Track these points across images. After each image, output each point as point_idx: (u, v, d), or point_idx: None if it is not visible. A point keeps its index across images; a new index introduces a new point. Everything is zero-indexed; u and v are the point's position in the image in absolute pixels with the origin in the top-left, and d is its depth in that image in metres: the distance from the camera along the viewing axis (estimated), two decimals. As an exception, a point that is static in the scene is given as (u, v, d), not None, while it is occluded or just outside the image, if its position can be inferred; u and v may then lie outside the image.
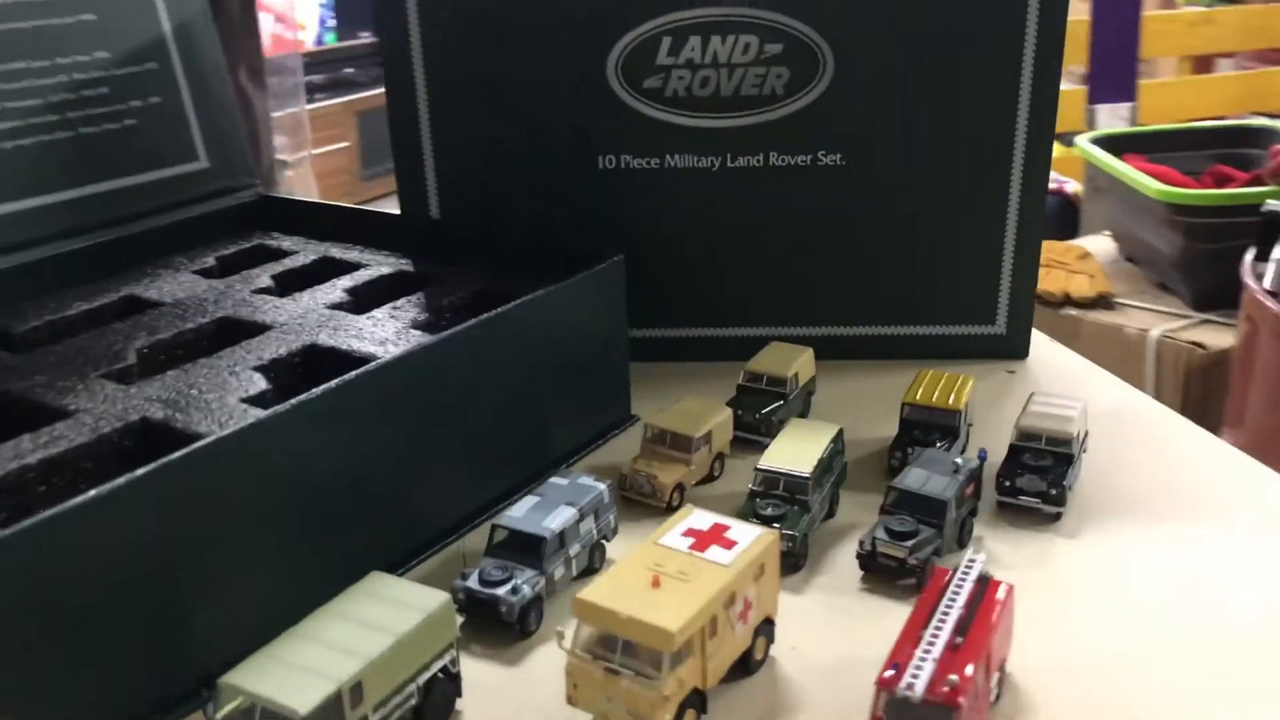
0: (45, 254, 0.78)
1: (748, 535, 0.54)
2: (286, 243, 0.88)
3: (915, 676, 0.47)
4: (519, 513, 0.61)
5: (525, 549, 0.59)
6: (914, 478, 0.64)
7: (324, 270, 0.82)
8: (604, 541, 0.64)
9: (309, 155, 1.22)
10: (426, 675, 0.51)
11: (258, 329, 0.71)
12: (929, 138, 0.82)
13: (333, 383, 0.58)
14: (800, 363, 0.78)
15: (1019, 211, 0.84)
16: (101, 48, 0.83)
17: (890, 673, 0.47)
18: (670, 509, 0.69)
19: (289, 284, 0.80)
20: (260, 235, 0.89)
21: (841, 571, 0.63)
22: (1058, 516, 0.67)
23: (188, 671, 0.53)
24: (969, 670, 0.47)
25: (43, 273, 0.78)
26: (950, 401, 0.72)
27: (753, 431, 0.76)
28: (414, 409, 0.63)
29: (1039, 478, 0.67)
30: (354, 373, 0.59)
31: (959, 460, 0.65)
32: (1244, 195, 1.67)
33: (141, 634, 0.51)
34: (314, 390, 0.58)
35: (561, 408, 0.74)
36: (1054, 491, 0.67)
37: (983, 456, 0.67)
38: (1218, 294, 1.76)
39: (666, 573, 0.51)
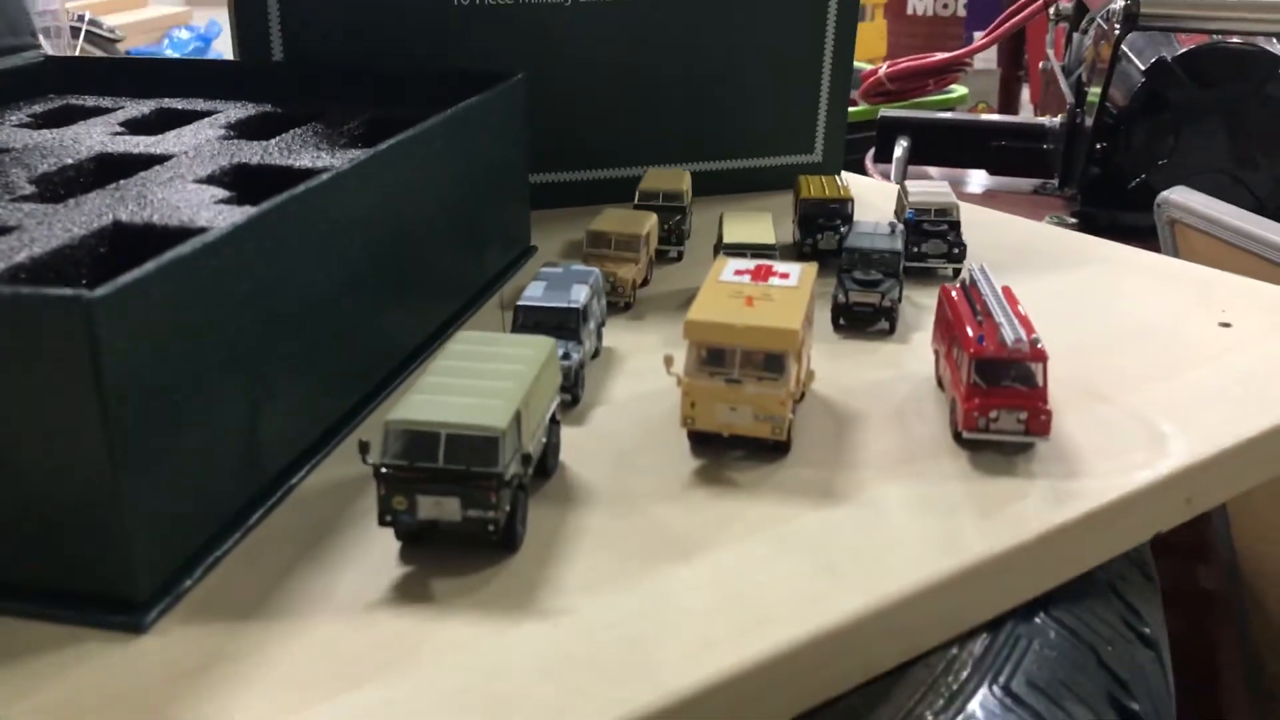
0: None
1: (793, 269, 0.57)
2: (104, 101, 0.78)
3: (1009, 338, 0.52)
4: (536, 293, 0.60)
5: (555, 324, 0.58)
6: (863, 240, 0.70)
7: (173, 120, 0.74)
8: (602, 326, 0.64)
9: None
10: (547, 416, 0.50)
11: (155, 160, 0.64)
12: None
13: (317, 179, 0.53)
14: (685, 181, 0.82)
15: (833, 56, 0.92)
16: None
17: (977, 344, 0.52)
18: (630, 305, 0.70)
19: (143, 130, 0.71)
20: (59, 98, 0.78)
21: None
22: (957, 273, 0.76)
23: (261, 472, 0.48)
24: (1036, 335, 0.53)
25: None
26: (841, 193, 0.79)
27: (663, 243, 0.78)
28: (371, 225, 0.59)
29: (939, 240, 0.75)
30: (341, 168, 0.55)
31: (893, 221, 0.72)
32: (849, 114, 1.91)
33: (226, 421, 0.46)
34: (299, 188, 0.52)
35: (482, 235, 0.73)
36: (956, 250, 0.75)
37: (911, 217, 0.74)
38: None
39: (751, 295, 0.53)
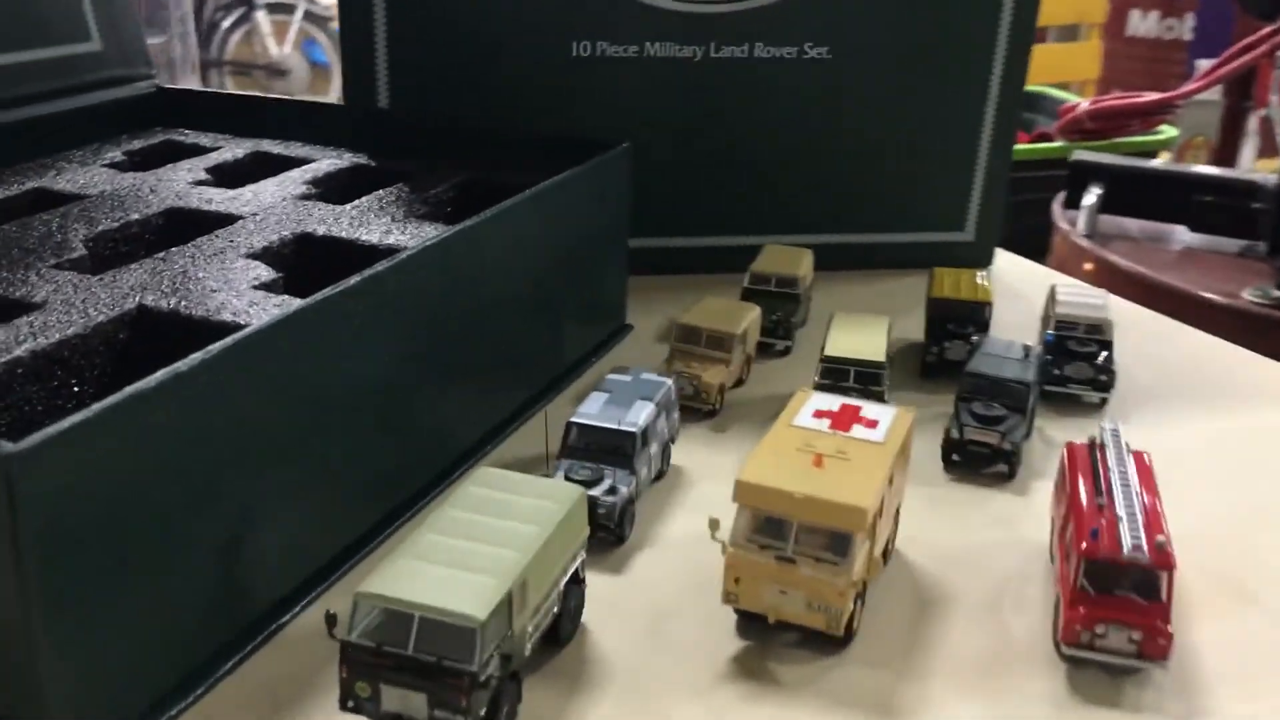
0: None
1: (885, 414, 0.49)
2: (204, 139, 0.75)
3: (1126, 540, 0.43)
4: (593, 409, 0.53)
5: (610, 447, 0.52)
6: (988, 363, 0.61)
7: (264, 166, 0.71)
8: (670, 443, 0.57)
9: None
10: (565, 578, 0.43)
11: (223, 220, 0.60)
12: (914, 40, 0.79)
13: (375, 269, 0.48)
14: (804, 264, 0.74)
15: (994, 124, 0.83)
16: (-26, -107, 0.68)
17: (1091, 540, 0.43)
18: (714, 413, 0.63)
19: (228, 179, 0.68)
20: (165, 131, 0.76)
21: (920, 468, 0.59)
22: (1104, 401, 0.66)
23: (239, 613, 0.43)
24: (1165, 535, 0.44)
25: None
26: (979, 294, 0.70)
27: (769, 335, 0.70)
28: (435, 307, 0.54)
29: (1085, 364, 0.65)
30: (395, 257, 0.50)
31: (1029, 344, 0.62)
32: (1036, 150, 1.76)
33: (192, 563, 0.41)
34: (354, 277, 0.47)
35: (567, 314, 0.67)
36: (1103, 377, 0.65)
37: (1050, 339, 0.65)
38: (1016, 247, 1.87)
39: (823, 452, 0.46)
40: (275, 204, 0.62)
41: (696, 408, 0.62)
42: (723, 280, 0.75)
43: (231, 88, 3.49)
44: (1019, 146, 1.79)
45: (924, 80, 0.80)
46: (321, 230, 0.58)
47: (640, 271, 0.76)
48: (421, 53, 0.75)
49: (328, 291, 0.46)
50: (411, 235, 0.58)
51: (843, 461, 0.45)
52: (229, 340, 0.41)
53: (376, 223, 0.60)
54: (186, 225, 0.60)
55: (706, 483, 0.57)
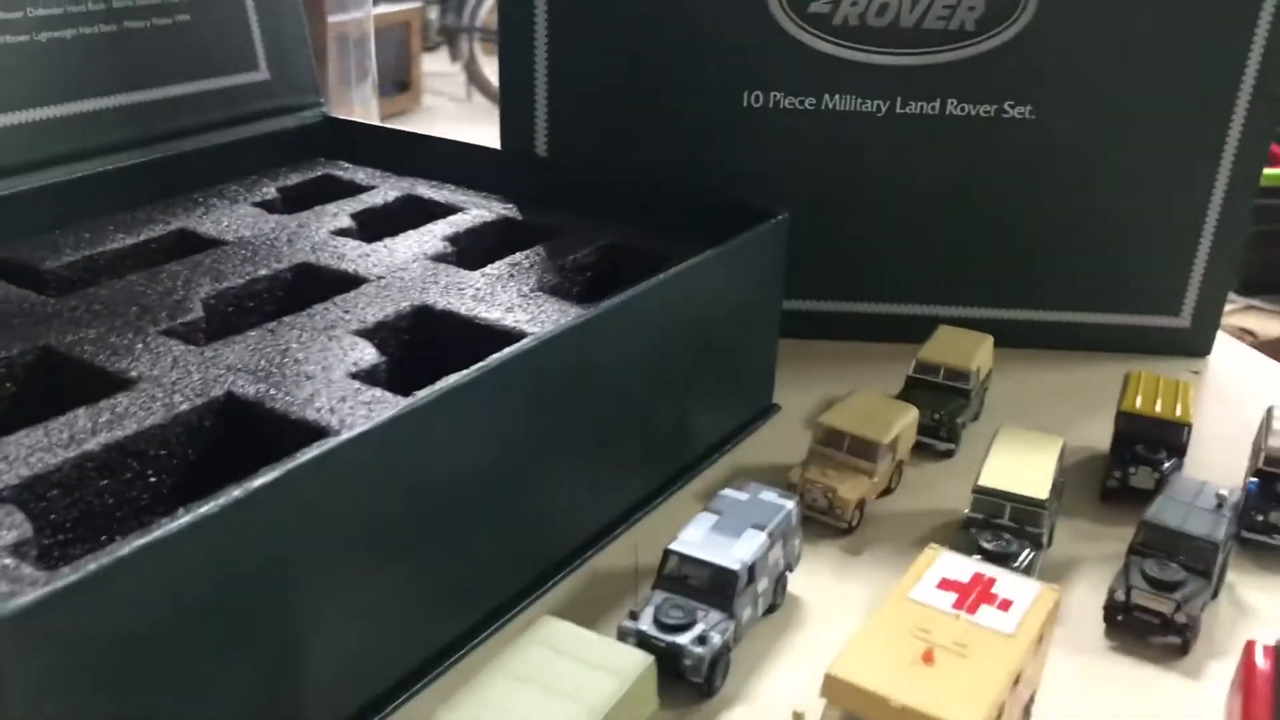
0: (76, 173, 0.64)
1: (1024, 593, 0.42)
2: (360, 175, 0.74)
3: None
4: (696, 536, 0.48)
5: (709, 584, 0.47)
6: (1171, 512, 0.52)
7: (412, 212, 0.69)
8: (787, 573, 0.52)
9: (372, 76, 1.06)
10: (621, 762, 0.39)
11: (349, 281, 0.58)
12: (1134, 98, 0.70)
13: (483, 366, 0.45)
14: (980, 355, 0.66)
15: (1226, 192, 0.72)
16: (152, -75, 0.68)
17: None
18: (850, 529, 0.57)
19: (373, 226, 0.66)
20: (326, 164, 0.76)
21: (1078, 623, 0.51)
22: (1318, 560, 0.56)
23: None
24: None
25: (73, 194, 0.64)
26: (1177, 412, 0.60)
27: (930, 435, 0.63)
28: (552, 397, 0.50)
29: (1299, 513, 0.55)
30: (505, 353, 0.46)
31: (1223, 492, 0.53)
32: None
33: (241, 686, 0.38)
34: (457, 376, 0.44)
35: (704, 394, 0.62)
36: (1321, 534, 0.55)
37: (1251, 489, 0.55)
38: (1263, 279, 1.69)
39: (938, 643, 0.39)
40: (406, 264, 0.60)
41: (828, 523, 0.56)
42: (891, 352, 0.69)
43: (480, 55, 3.57)
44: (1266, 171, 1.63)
45: (1142, 141, 0.71)
46: (442, 304, 0.55)
47: (800, 335, 0.71)
48: (582, 98, 0.71)
49: (423, 397, 0.43)
50: (534, 315, 0.54)
51: (960, 658, 0.39)
52: (283, 468, 0.38)
53: (502, 295, 0.56)
54: (313, 284, 0.59)
55: (825, 624, 0.51)
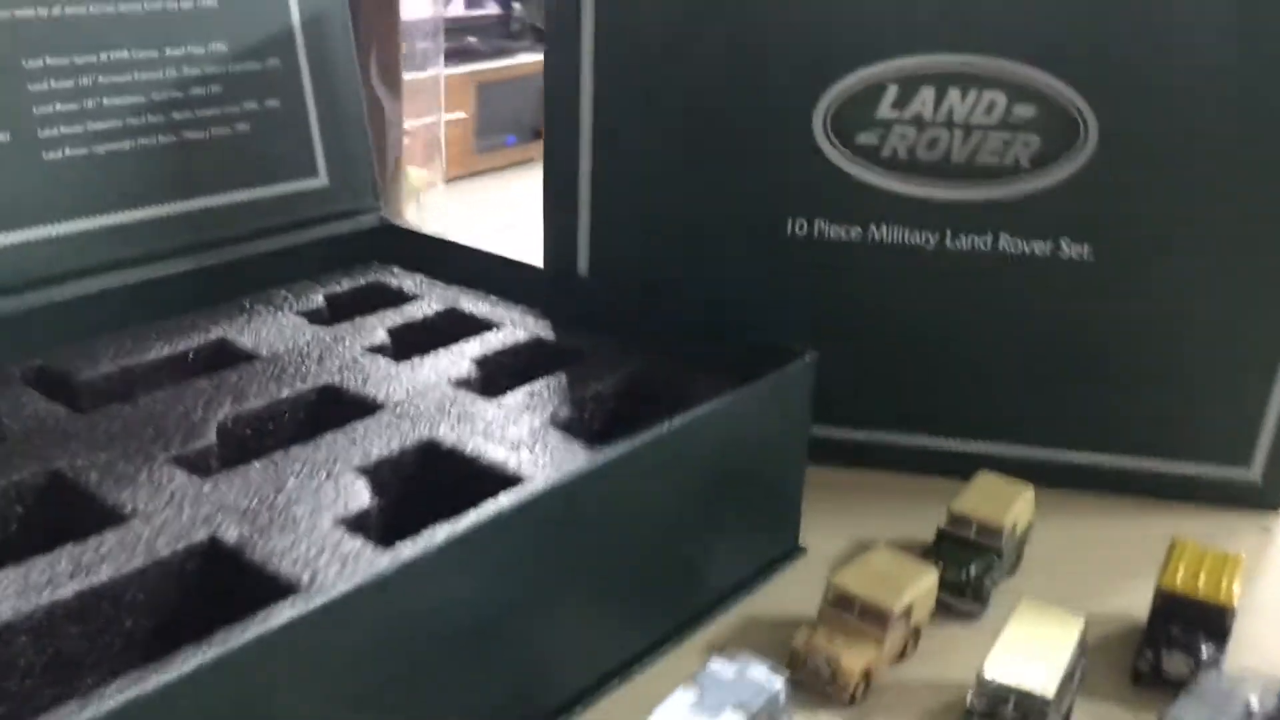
0: (126, 280, 0.66)
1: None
2: (408, 283, 0.75)
3: None
4: (675, 714, 0.47)
5: (679, 768, 0.45)
6: (1192, 716, 0.48)
7: (449, 326, 0.69)
8: (771, 751, 0.50)
9: (441, 179, 1.08)
10: None
11: (366, 407, 0.58)
12: (1201, 239, 0.66)
13: (469, 521, 0.45)
14: (1018, 508, 0.63)
15: (1307, 332, 0.68)
16: (218, 38, 0.71)
17: None
18: (852, 701, 0.54)
19: (408, 342, 0.67)
20: (378, 269, 0.77)
21: (1083, 826, 0.48)
22: (1365, 776, 0.51)
23: None
24: None
25: (120, 301, 0.66)
26: (1221, 593, 0.56)
27: (956, 593, 0.60)
28: (548, 548, 0.49)
29: (1346, 723, 0.51)
30: (494, 507, 0.46)
31: (1253, 701, 0.49)
32: None
33: None
34: (443, 531, 0.44)
35: (721, 538, 0.60)
36: (1371, 746, 0.50)
37: (1276, 707, 0.51)
38: None
39: None
40: (427, 389, 0.60)
41: (829, 693, 0.54)
42: (933, 487, 0.66)
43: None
44: None
45: (1210, 284, 0.67)
46: (450, 439, 0.55)
47: (840, 464, 0.69)
48: (625, 220, 0.71)
49: (401, 556, 0.43)
50: (541, 455, 0.54)
51: None
52: (242, 631, 0.38)
53: (514, 430, 0.56)
54: (334, 407, 0.59)
55: (807, 807, 0.49)
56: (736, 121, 0.67)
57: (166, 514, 0.48)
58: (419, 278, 0.76)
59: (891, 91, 0.65)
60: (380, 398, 0.59)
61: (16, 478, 0.50)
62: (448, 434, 0.56)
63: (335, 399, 0.60)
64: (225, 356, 0.64)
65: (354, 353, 0.64)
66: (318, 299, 0.72)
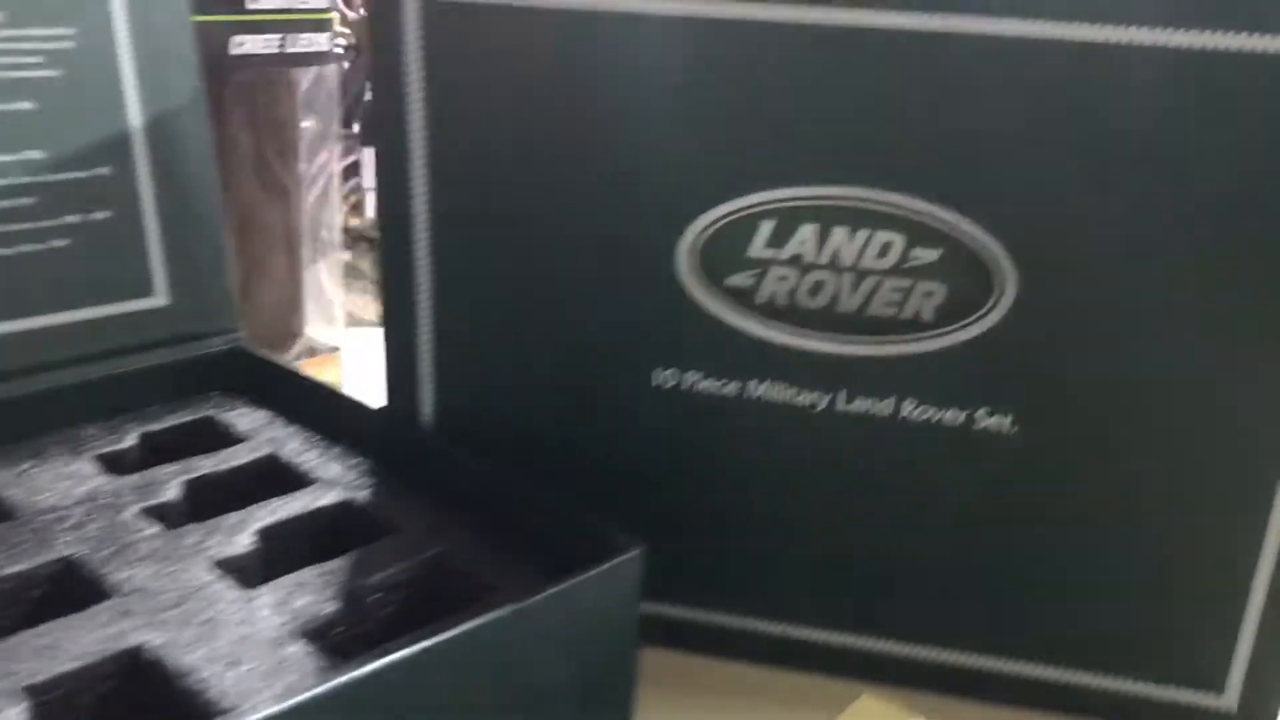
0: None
1: None
2: (244, 421, 0.66)
3: None
4: None
5: None
6: None
7: (257, 481, 0.60)
8: None
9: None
10: None
11: (98, 593, 0.49)
12: (1149, 410, 0.53)
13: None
14: (901, 745, 0.51)
15: (1287, 535, 0.54)
16: (33, 146, 0.63)
17: None
18: None
19: (203, 500, 0.58)
20: (218, 403, 0.68)
21: None
22: None
23: None
24: None
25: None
26: None
27: None
28: None
29: None
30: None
31: None
32: None
33: None
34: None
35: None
36: None
37: None
38: None
39: None
40: (179, 570, 0.51)
41: None
42: (816, 690, 0.55)
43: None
44: None
45: (1166, 463, 0.54)
46: (156, 649, 0.45)
47: (702, 651, 0.58)
48: (468, 362, 0.61)
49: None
50: (264, 676, 0.44)
51: None
52: None
53: (248, 634, 0.46)
54: (68, 589, 0.50)
55: None
56: (591, 257, 0.57)
57: None
58: (261, 415, 0.67)
59: (766, 227, 0.54)
60: (118, 582, 0.50)
61: None
62: (156, 640, 0.46)
63: (72, 578, 0.51)
64: (-14, 512, 0.55)
65: (127, 515, 0.55)
66: (131, 438, 0.63)
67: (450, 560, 0.53)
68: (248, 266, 0.83)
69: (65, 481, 0.58)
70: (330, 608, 0.49)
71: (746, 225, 0.54)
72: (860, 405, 0.56)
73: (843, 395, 0.56)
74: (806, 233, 0.54)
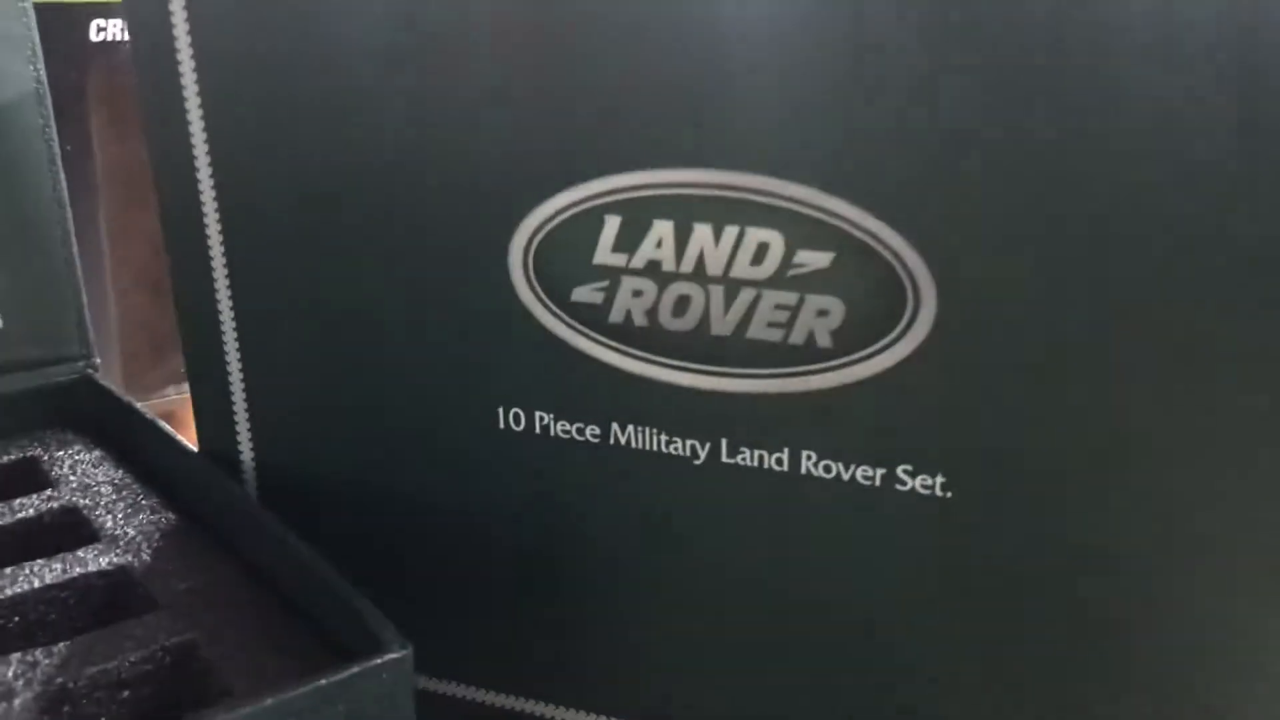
0: None
1: None
2: (70, 463, 0.57)
3: None
4: None
5: None
6: None
7: (46, 536, 0.50)
8: None
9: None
10: None
11: None
12: (1108, 462, 0.39)
13: None
14: None
15: None
16: None
17: None
18: None
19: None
20: (52, 439, 0.59)
21: None
22: None
23: None
24: None
25: None
26: None
27: None
28: None
29: None
30: None
31: None
32: None
33: None
34: None
35: None
36: None
37: None
38: None
39: None
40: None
41: None
42: None
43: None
44: None
45: (1135, 527, 0.40)
46: None
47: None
48: (286, 402, 0.50)
49: None
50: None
51: None
52: None
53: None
54: None
55: None
56: (402, 270, 0.46)
57: None
58: (95, 455, 0.57)
59: (611, 225, 0.42)
60: None
61: None
62: None
63: None
64: None
65: None
66: (-71, 485, 0.54)
67: (198, 649, 0.42)
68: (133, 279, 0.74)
69: None
70: (55, 704, 0.39)
71: (588, 223, 0.42)
72: (749, 459, 0.43)
73: (724, 444, 0.43)
74: (662, 231, 0.41)
